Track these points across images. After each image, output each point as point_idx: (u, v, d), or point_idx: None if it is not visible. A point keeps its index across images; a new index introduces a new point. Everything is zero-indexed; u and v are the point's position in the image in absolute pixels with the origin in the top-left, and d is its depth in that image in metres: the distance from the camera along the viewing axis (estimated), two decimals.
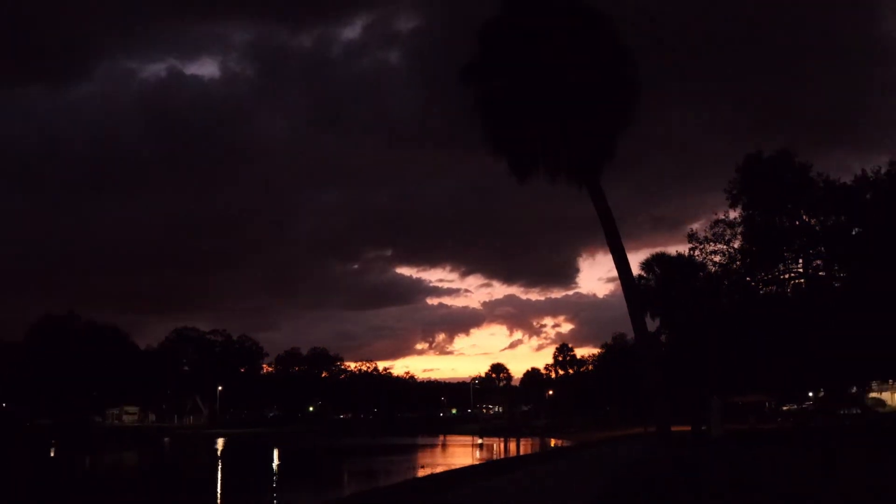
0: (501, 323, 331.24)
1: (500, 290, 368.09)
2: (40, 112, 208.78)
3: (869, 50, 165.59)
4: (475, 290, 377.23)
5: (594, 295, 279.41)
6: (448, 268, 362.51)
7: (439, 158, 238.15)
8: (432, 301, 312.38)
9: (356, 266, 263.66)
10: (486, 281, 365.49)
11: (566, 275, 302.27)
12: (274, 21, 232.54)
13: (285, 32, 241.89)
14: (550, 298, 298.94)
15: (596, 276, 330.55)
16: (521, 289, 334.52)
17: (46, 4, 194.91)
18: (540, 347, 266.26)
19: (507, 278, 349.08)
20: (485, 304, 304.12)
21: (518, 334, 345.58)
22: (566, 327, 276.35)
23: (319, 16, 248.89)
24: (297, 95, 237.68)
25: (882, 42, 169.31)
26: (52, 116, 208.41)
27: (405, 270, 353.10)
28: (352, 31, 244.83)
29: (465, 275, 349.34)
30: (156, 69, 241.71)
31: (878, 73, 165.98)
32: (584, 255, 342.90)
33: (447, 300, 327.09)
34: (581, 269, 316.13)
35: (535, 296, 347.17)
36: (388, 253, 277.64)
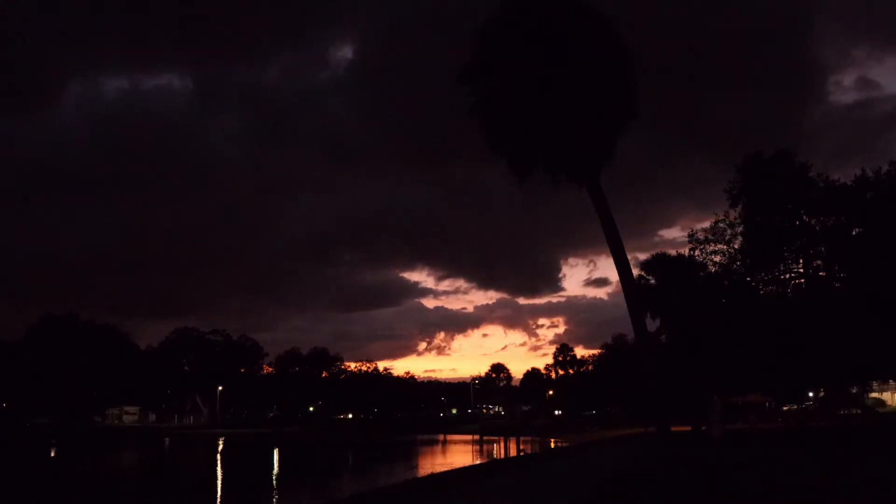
0: (498, 324, 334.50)
1: (492, 295, 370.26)
2: (33, 119, 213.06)
3: (799, 71, 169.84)
4: (470, 293, 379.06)
5: (586, 297, 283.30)
6: (426, 271, 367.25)
7: (419, 166, 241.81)
8: (429, 303, 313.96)
9: (350, 268, 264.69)
10: (470, 285, 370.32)
11: (552, 279, 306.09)
12: (226, 47, 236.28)
13: (236, 56, 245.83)
14: (543, 301, 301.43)
15: (579, 280, 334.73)
16: (509, 294, 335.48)
17: (15, 26, 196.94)
18: (536, 349, 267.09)
19: (492, 284, 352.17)
20: (481, 306, 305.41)
21: (514, 336, 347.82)
22: (561, 329, 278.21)
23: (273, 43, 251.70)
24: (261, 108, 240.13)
25: (811, 64, 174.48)
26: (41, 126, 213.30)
27: (400, 273, 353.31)
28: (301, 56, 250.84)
29: (443, 278, 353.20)
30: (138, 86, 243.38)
31: (808, 93, 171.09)
32: (567, 261, 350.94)
33: (444, 302, 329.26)
34: (565, 275, 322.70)
35: (525, 299, 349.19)
36: (382, 256, 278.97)
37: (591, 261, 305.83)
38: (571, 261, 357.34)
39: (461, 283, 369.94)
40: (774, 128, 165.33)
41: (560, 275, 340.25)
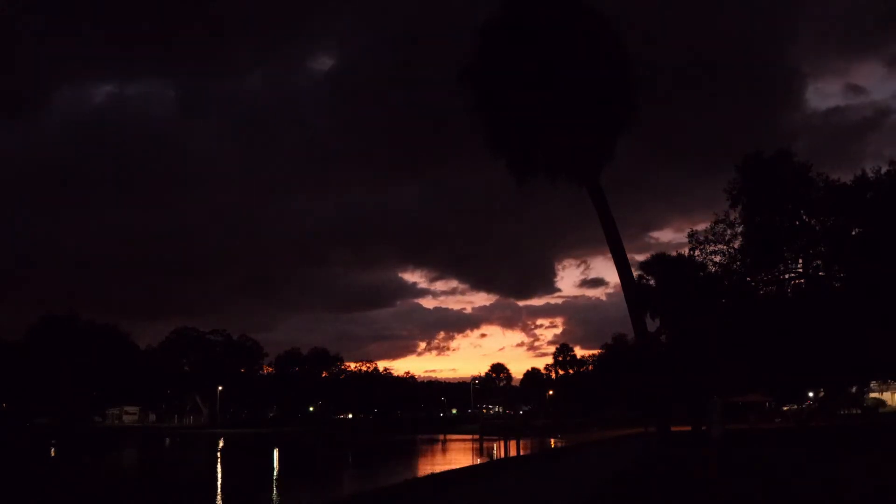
0: (497, 325, 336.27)
1: (488, 296, 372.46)
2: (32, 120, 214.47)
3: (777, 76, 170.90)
4: (467, 294, 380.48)
5: (585, 296, 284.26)
6: (419, 272, 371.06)
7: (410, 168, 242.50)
8: (427, 303, 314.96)
9: (350, 269, 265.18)
10: (465, 286, 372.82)
11: (548, 280, 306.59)
12: (218, 53, 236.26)
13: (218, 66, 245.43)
14: (542, 303, 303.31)
15: (573, 281, 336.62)
16: (503, 295, 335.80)
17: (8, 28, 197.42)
18: (535, 349, 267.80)
19: (487, 285, 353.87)
20: (480, 307, 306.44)
21: (512, 336, 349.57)
22: (560, 330, 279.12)
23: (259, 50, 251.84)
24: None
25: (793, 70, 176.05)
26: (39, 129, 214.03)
27: (399, 274, 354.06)
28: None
29: (437, 279, 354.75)
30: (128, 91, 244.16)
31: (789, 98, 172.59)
32: (562, 262, 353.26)
33: (442, 303, 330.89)
34: (562, 276, 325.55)
35: (521, 301, 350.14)
36: (380, 257, 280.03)
37: (582, 262, 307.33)
38: (565, 262, 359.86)
39: (455, 283, 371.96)
40: (763, 130, 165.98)
41: (557, 277, 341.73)
